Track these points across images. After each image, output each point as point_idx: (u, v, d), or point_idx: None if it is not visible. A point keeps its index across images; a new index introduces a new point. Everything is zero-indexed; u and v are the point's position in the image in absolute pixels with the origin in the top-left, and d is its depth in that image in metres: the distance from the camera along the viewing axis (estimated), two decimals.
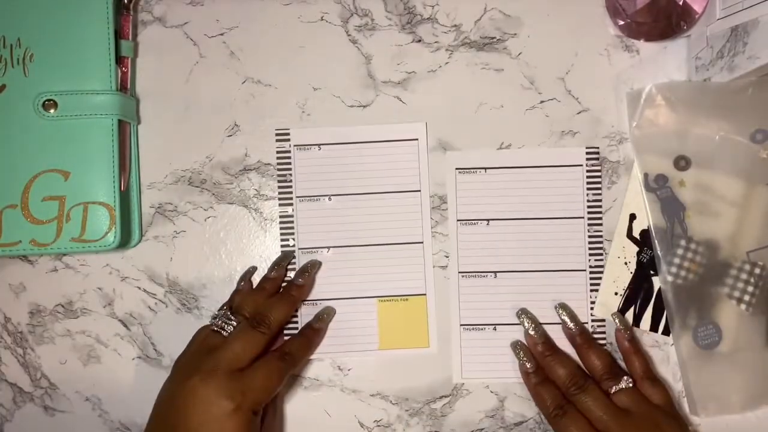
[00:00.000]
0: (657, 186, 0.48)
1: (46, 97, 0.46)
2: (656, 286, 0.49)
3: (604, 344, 0.49)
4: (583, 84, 0.50)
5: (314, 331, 0.48)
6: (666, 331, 0.49)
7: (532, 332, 0.47)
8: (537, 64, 0.50)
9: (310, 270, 0.49)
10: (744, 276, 0.47)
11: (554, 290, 0.49)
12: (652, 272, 0.49)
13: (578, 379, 0.45)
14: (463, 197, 0.50)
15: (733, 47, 0.44)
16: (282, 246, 0.50)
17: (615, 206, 0.49)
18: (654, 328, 0.49)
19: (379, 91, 0.50)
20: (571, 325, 0.47)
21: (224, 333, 0.43)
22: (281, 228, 0.50)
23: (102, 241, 0.47)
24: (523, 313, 0.48)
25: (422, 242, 0.50)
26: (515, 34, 0.50)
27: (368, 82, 0.50)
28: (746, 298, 0.47)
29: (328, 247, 0.50)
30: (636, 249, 0.49)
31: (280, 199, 0.50)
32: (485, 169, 0.50)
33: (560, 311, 0.48)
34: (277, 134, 0.50)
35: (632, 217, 0.49)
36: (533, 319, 0.48)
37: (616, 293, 0.49)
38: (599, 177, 0.49)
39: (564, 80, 0.50)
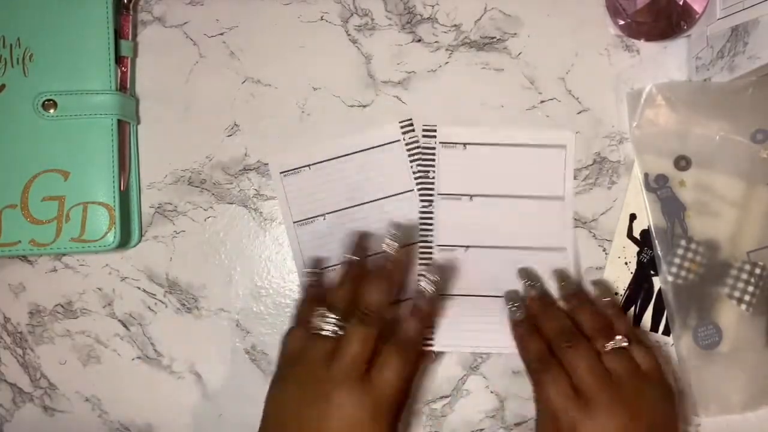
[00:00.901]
0: (657, 186, 0.48)
1: (46, 97, 0.46)
2: (656, 286, 0.49)
3: None
4: (583, 84, 0.50)
5: (427, 302, 0.44)
6: (666, 331, 0.49)
7: (531, 290, 0.47)
8: (537, 64, 0.50)
9: (397, 231, 0.45)
10: (744, 276, 0.47)
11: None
12: (652, 272, 0.49)
13: (569, 334, 0.43)
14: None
15: (733, 47, 0.44)
16: (421, 243, 0.49)
17: (615, 206, 0.49)
18: (654, 328, 0.49)
19: (379, 91, 0.50)
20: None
21: (325, 332, 0.40)
22: (421, 225, 0.49)
23: (102, 241, 0.46)
24: (523, 272, 0.48)
25: (566, 248, 0.49)
26: (515, 33, 0.50)
27: (368, 81, 0.50)
28: (746, 298, 0.47)
29: (466, 246, 0.49)
30: (636, 249, 0.49)
31: (420, 195, 0.49)
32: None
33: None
34: (424, 130, 0.50)
35: (632, 217, 0.49)
36: (532, 276, 0.48)
37: (616, 293, 0.49)
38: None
39: (564, 80, 0.50)
